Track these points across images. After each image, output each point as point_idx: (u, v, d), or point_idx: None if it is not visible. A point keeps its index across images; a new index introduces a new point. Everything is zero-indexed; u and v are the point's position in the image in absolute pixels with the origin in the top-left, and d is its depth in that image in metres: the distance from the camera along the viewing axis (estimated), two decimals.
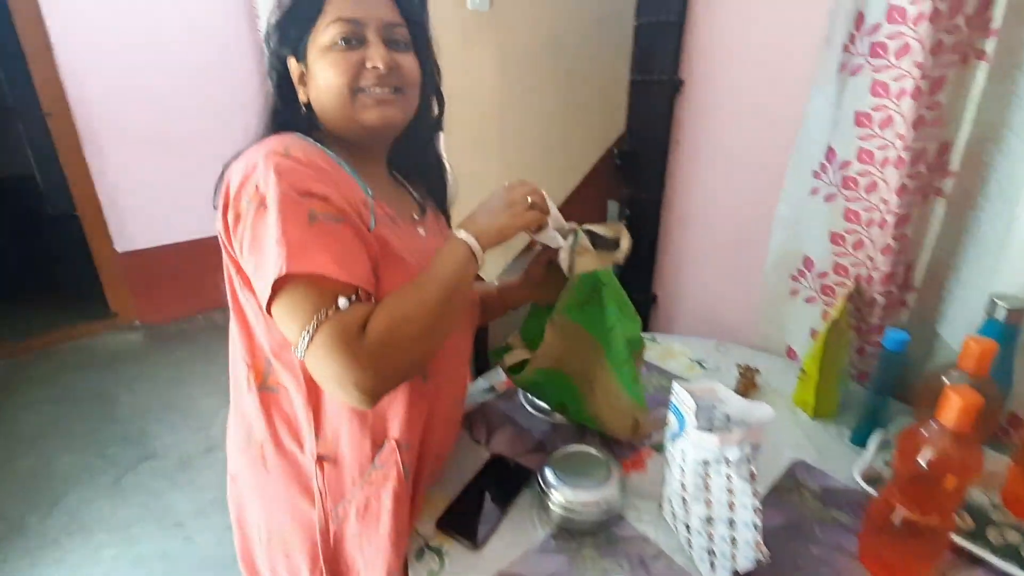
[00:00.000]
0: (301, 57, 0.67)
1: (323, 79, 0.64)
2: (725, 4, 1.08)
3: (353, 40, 0.64)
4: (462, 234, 0.65)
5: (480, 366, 1.16)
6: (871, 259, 0.96)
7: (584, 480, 0.76)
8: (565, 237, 0.78)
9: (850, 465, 0.83)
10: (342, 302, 0.55)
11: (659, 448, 0.90)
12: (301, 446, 0.70)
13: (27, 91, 2.53)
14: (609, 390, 0.83)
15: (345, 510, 0.69)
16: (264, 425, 0.71)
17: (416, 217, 0.78)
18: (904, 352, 0.83)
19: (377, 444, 0.68)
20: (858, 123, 0.92)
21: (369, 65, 0.64)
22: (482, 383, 1.09)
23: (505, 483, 0.83)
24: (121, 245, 2.80)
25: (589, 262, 0.77)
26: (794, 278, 1.10)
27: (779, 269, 1.11)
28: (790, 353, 1.16)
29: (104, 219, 2.73)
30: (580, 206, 3.05)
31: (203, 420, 2.22)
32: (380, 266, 0.62)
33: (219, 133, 2.78)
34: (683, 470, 0.68)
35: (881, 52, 0.85)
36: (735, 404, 0.71)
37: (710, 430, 0.75)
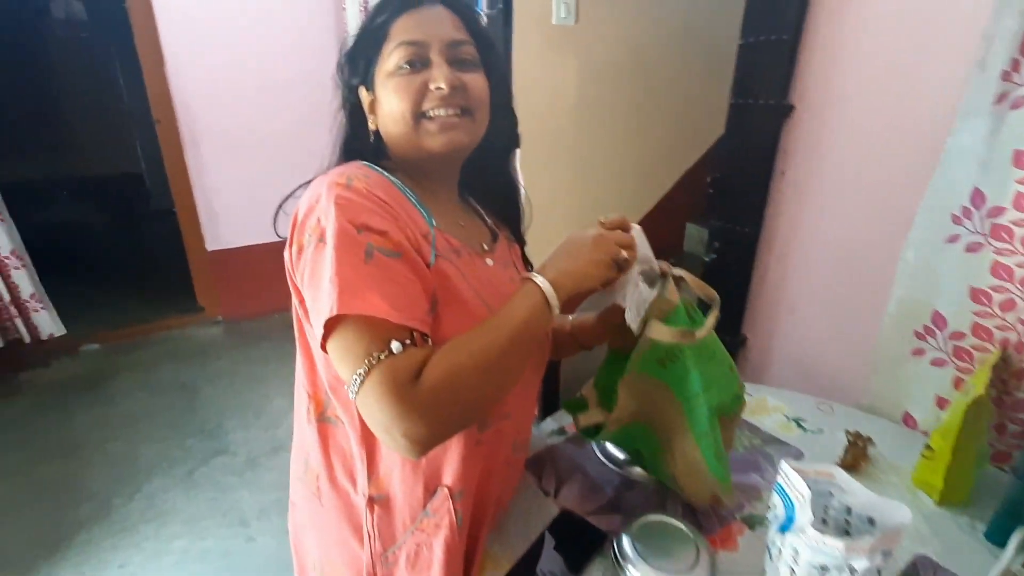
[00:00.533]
0: (370, 86, 0.66)
1: (387, 105, 0.63)
2: (848, 21, 0.96)
3: (417, 63, 0.62)
4: (538, 279, 0.59)
5: (548, 404, 1.09)
6: None
7: (668, 560, 0.67)
8: (653, 284, 0.70)
9: (984, 566, 0.69)
10: (395, 346, 0.52)
11: (751, 523, 0.79)
12: (354, 484, 0.67)
13: (141, 99, 2.75)
14: (688, 456, 0.73)
15: (395, 555, 0.67)
16: (321, 457, 0.69)
17: (486, 247, 0.73)
18: None
19: (430, 490, 0.65)
20: (1018, 164, 0.78)
21: (432, 86, 0.61)
22: (550, 423, 1.03)
23: (575, 546, 0.76)
24: (211, 243, 2.98)
25: (662, 332, 0.67)
26: (919, 335, 0.95)
27: (901, 323, 0.97)
28: (907, 420, 1.01)
29: (198, 218, 2.91)
30: (655, 228, 2.91)
31: (273, 419, 2.30)
32: (440, 303, 0.59)
33: (304, 142, 2.88)
34: (793, 571, 0.58)
35: None
36: (860, 497, 0.60)
37: (824, 521, 0.64)
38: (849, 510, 0.62)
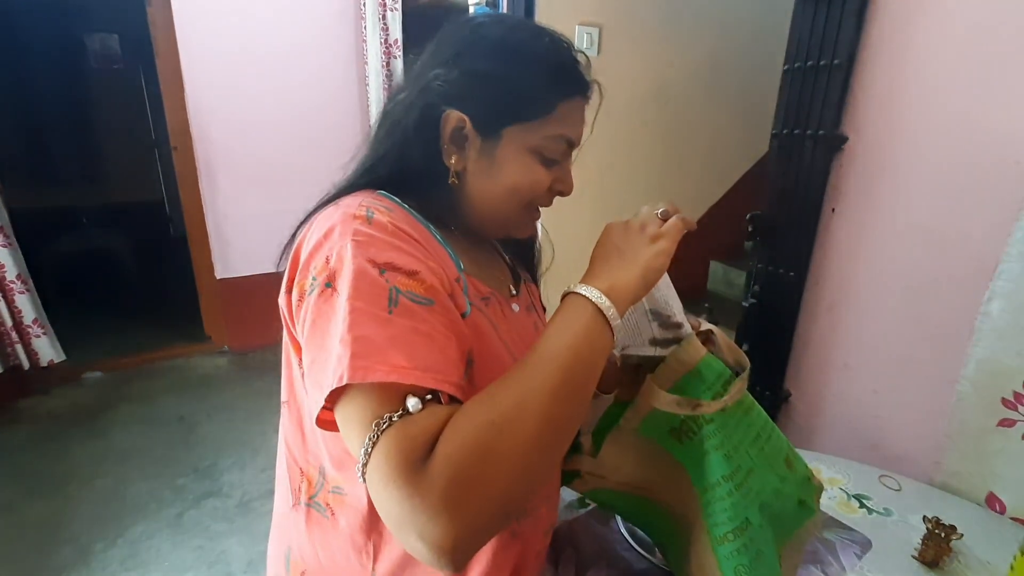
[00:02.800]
0: (487, 131, 0.54)
1: (511, 180, 0.55)
2: (914, 42, 0.86)
3: (559, 160, 0.57)
4: (584, 289, 0.48)
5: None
6: None
7: None
8: (666, 328, 0.58)
9: None
10: (411, 403, 0.40)
11: None
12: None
13: (163, 129, 2.76)
14: (703, 563, 0.57)
15: None
16: (309, 546, 0.57)
17: (513, 291, 0.65)
18: None
19: None
20: None
21: (557, 188, 0.59)
22: (568, 493, 0.89)
23: None
24: (221, 271, 2.93)
25: (658, 397, 0.55)
26: (1008, 404, 0.81)
27: (983, 389, 0.83)
28: (993, 503, 0.86)
29: (210, 246, 2.87)
30: (678, 265, 2.80)
31: (270, 459, 2.17)
32: (476, 360, 0.49)
33: (316, 174, 2.89)
34: None
35: None
36: None
37: None
38: None
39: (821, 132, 0.97)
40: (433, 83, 0.53)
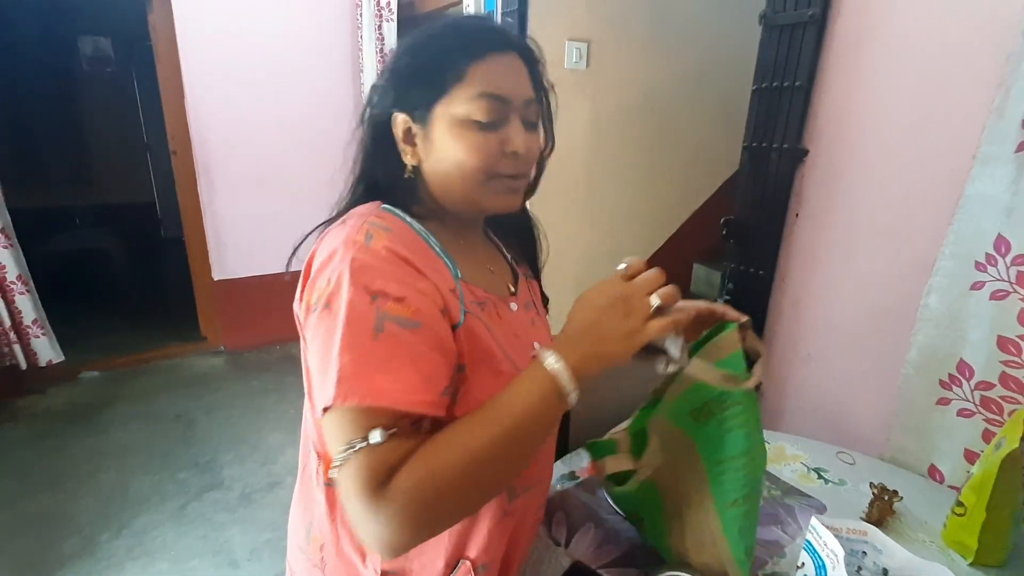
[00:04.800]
0: (421, 120, 0.57)
1: (453, 156, 0.56)
2: (863, 67, 0.98)
3: (495, 118, 0.56)
4: (550, 360, 0.50)
5: (559, 445, 1.05)
6: None
7: None
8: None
9: None
10: (374, 436, 0.46)
11: None
12: (363, 556, 0.61)
13: (159, 132, 2.82)
14: (703, 529, 0.66)
15: None
16: (328, 523, 0.62)
17: (511, 289, 0.68)
18: None
19: (451, 564, 0.60)
20: None
21: (509, 150, 0.57)
22: (561, 467, 0.98)
23: None
24: (218, 273, 2.98)
25: (705, 371, 0.61)
26: (944, 384, 0.92)
27: (924, 371, 0.94)
28: (933, 473, 0.97)
29: (207, 247, 2.93)
30: (662, 267, 2.91)
31: (269, 454, 2.24)
32: (468, 365, 0.54)
33: (311, 179, 2.99)
34: None
35: None
36: (898, 557, 0.56)
37: None
38: (885, 572, 0.58)
39: (785, 145, 1.08)
40: (373, 95, 0.60)
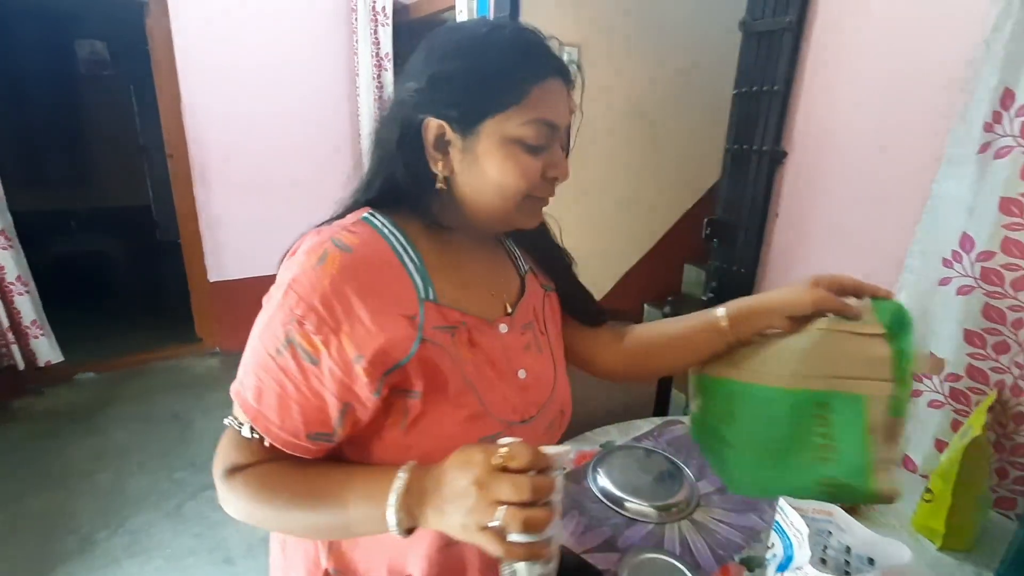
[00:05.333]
0: (464, 130, 0.54)
1: (497, 174, 0.54)
2: (838, 74, 1.02)
3: (544, 144, 0.55)
4: (392, 512, 0.46)
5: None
6: (1019, 366, 0.82)
7: None
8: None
9: None
10: (244, 430, 0.53)
11: (750, 565, 0.78)
12: (317, 554, 0.63)
13: (154, 134, 2.84)
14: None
15: None
16: None
17: (508, 309, 0.64)
18: None
19: (394, 573, 0.60)
20: (1004, 210, 0.81)
21: (551, 175, 0.57)
22: None
23: None
24: (214, 274, 3.01)
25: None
26: (916, 377, 0.96)
27: None
28: (906, 463, 1.00)
29: (203, 249, 2.95)
30: (654, 268, 2.97)
31: None
32: (425, 393, 0.54)
33: (307, 181, 3.04)
34: None
35: None
36: (860, 536, 0.60)
37: (823, 561, 0.64)
38: (848, 550, 0.61)
39: (765, 148, 1.12)
40: (406, 96, 0.55)
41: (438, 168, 0.55)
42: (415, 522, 0.47)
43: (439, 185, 0.56)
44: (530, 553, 0.42)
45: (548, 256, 0.73)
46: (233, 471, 0.53)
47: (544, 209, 0.62)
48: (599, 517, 0.87)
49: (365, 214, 0.57)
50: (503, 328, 0.62)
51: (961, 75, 0.85)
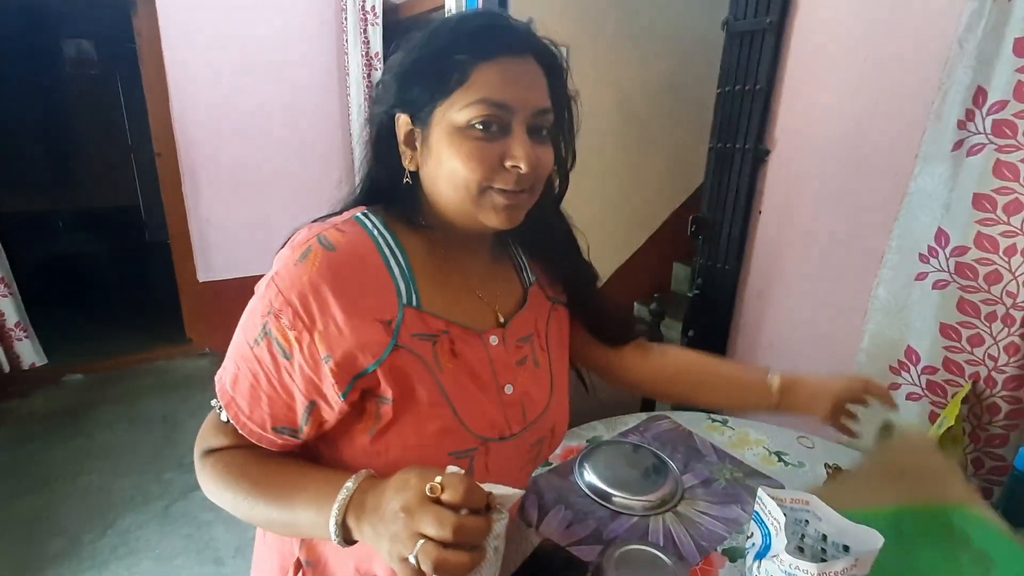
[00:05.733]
0: (422, 123, 0.53)
1: (448, 164, 0.51)
2: (817, 74, 1.03)
3: (495, 127, 0.51)
4: (335, 509, 0.46)
5: None
6: (992, 358, 0.84)
7: None
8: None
9: None
10: (222, 414, 0.55)
11: (732, 556, 0.79)
12: (291, 545, 0.64)
13: (142, 134, 2.82)
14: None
15: None
16: None
17: (501, 320, 0.62)
18: None
19: (361, 572, 0.60)
20: (977, 206, 0.83)
21: (509, 164, 0.51)
22: None
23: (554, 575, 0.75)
24: (203, 274, 2.99)
25: None
26: (894, 370, 0.98)
27: (875, 358, 0.99)
28: None
29: (192, 249, 2.93)
30: (643, 267, 2.99)
31: None
32: (397, 400, 0.52)
33: (297, 180, 3.03)
34: None
35: (1008, 131, 0.77)
36: (835, 523, 0.61)
37: (800, 549, 0.65)
38: (825, 537, 0.62)
39: (748, 146, 1.14)
40: (379, 94, 0.55)
41: (406, 163, 0.55)
42: (352, 535, 0.46)
43: (405, 180, 0.55)
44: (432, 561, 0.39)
45: (568, 270, 0.70)
46: (208, 453, 0.55)
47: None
48: (585, 511, 0.88)
49: (358, 213, 0.56)
50: (493, 340, 0.60)
51: (937, 74, 0.87)
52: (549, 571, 0.75)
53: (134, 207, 4.72)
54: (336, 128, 3.12)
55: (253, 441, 0.54)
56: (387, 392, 0.52)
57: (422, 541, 0.39)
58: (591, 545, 0.81)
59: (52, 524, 1.85)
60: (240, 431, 0.53)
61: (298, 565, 0.62)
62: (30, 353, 2.53)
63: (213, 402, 0.56)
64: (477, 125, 0.50)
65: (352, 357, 0.50)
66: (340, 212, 0.59)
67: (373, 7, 2.84)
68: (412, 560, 0.39)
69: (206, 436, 0.56)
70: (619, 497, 0.89)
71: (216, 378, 0.56)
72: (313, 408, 0.52)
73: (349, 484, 0.46)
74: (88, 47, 4.48)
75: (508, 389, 0.60)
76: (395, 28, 2.98)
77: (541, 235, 0.66)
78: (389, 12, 2.93)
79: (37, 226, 3.96)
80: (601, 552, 0.77)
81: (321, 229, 0.53)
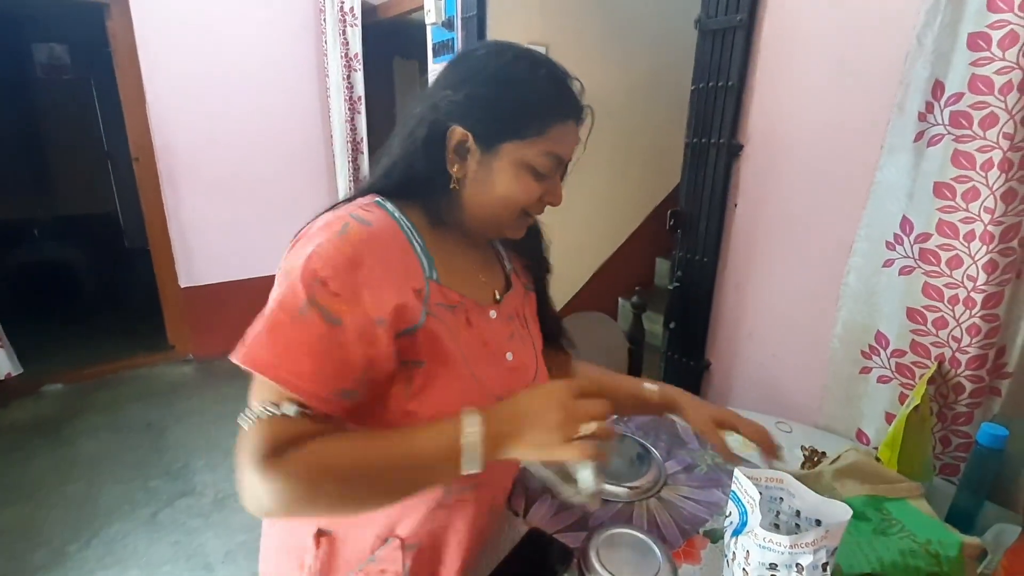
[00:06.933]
0: (484, 144, 0.61)
1: (504, 188, 0.61)
2: (787, 70, 1.07)
3: (550, 174, 0.63)
4: (468, 423, 0.52)
5: None
6: (956, 340, 0.88)
7: (630, 569, 0.69)
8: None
9: None
10: (288, 408, 0.51)
11: (714, 537, 0.82)
12: None
13: (119, 139, 2.78)
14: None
15: None
16: None
17: (497, 297, 0.71)
18: (1003, 449, 0.73)
19: (382, 537, 0.63)
20: (937, 194, 0.86)
21: (547, 200, 0.66)
22: None
23: (542, 562, 0.77)
24: (185, 280, 2.96)
25: None
26: (865, 355, 1.01)
27: (848, 344, 1.03)
28: (860, 436, 1.06)
29: (173, 255, 2.90)
30: (626, 262, 3.03)
31: None
32: (428, 362, 0.58)
33: (278, 183, 3.01)
34: (746, 572, 0.61)
35: (964, 122, 0.81)
36: (807, 499, 0.64)
37: (776, 526, 0.67)
38: (799, 513, 0.65)
39: (722, 141, 1.17)
40: (441, 102, 0.61)
41: (454, 171, 0.62)
42: (493, 447, 0.52)
43: (452, 186, 0.62)
44: (603, 455, 0.53)
45: (532, 260, 0.80)
46: (275, 453, 0.49)
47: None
48: (569, 501, 0.89)
49: (377, 199, 0.62)
50: (493, 314, 0.68)
51: (900, 69, 0.91)
52: (537, 557, 0.77)
53: (112, 213, 4.64)
54: (316, 130, 3.10)
55: (324, 411, 0.52)
56: (422, 356, 0.58)
57: (591, 423, 0.53)
58: (577, 532, 0.83)
59: (36, 535, 1.82)
60: (309, 405, 0.52)
61: (319, 534, 0.64)
62: (4, 363, 2.48)
63: (245, 417, 0.52)
64: (540, 170, 0.62)
65: (400, 315, 0.56)
66: (353, 199, 0.64)
67: (352, 8, 2.84)
68: (585, 430, 0.53)
69: (260, 442, 0.50)
70: (606, 486, 0.91)
71: (259, 367, 0.52)
72: (369, 368, 0.55)
73: (465, 412, 0.53)
74: (61, 51, 4.39)
75: (509, 356, 0.69)
76: (374, 30, 2.98)
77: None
78: (368, 13, 2.93)
79: (12, 235, 3.87)
80: (587, 538, 0.79)
81: (350, 210, 0.58)
